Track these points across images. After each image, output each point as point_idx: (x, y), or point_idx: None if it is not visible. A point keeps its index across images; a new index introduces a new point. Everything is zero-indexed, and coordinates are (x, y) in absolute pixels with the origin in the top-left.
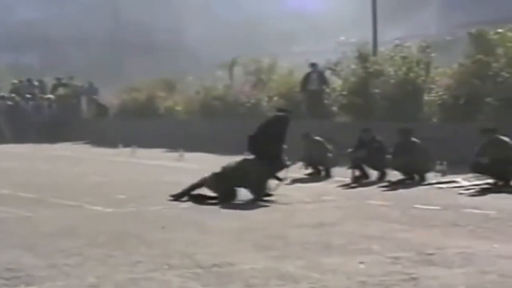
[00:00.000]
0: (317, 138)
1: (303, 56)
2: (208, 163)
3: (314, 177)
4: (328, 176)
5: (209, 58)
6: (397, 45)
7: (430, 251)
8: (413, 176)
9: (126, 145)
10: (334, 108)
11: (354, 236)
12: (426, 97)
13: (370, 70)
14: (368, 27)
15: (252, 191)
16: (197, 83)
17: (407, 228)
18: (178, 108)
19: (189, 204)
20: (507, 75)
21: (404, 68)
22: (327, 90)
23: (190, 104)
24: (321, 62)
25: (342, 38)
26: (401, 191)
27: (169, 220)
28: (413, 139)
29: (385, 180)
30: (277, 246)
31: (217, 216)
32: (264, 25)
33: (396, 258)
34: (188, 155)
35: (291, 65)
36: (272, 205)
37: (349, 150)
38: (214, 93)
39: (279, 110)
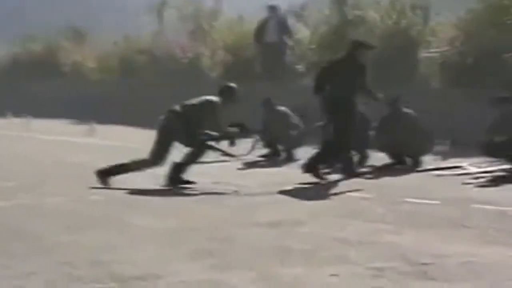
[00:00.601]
0: (280, 108)
1: None
2: (129, 139)
3: (272, 160)
4: (290, 158)
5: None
6: None
7: (425, 261)
8: (404, 160)
9: (17, 114)
10: (300, 67)
11: (323, 239)
12: (423, 54)
13: (348, 16)
14: None
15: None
16: (115, 31)
17: (394, 229)
18: (90, 65)
19: (105, 193)
20: None
21: (393, 15)
22: (291, 42)
23: (106, 59)
24: (283, 4)
25: None
26: (387, 179)
27: (76, 216)
28: (405, 110)
29: (366, 164)
30: (221, 252)
31: (145, 211)
32: None
33: (380, 269)
34: (101, 128)
35: (242, 8)
36: (219, 197)
37: (319, 124)
38: (138, 45)
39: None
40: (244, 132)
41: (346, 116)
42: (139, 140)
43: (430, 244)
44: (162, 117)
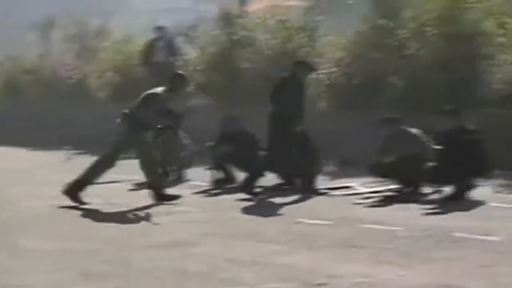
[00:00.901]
0: None
1: (148, 16)
2: (17, 161)
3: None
4: (180, 179)
5: (16, 17)
6: (272, 5)
7: (319, 281)
8: (293, 181)
9: None
10: (190, 88)
11: (217, 260)
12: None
13: (236, 37)
14: None
15: None
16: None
17: (288, 250)
18: None
19: None
20: (416, 45)
21: (281, 36)
22: (179, 63)
23: None
24: (172, 24)
25: None
26: (278, 199)
27: None
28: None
29: (257, 184)
30: (115, 275)
31: (37, 233)
32: None
33: None
34: None
35: (130, 28)
36: (111, 219)
37: (209, 144)
38: (23, 65)
39: None
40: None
41: (286, 135)
42: (27, 161)
43: (323, 265)
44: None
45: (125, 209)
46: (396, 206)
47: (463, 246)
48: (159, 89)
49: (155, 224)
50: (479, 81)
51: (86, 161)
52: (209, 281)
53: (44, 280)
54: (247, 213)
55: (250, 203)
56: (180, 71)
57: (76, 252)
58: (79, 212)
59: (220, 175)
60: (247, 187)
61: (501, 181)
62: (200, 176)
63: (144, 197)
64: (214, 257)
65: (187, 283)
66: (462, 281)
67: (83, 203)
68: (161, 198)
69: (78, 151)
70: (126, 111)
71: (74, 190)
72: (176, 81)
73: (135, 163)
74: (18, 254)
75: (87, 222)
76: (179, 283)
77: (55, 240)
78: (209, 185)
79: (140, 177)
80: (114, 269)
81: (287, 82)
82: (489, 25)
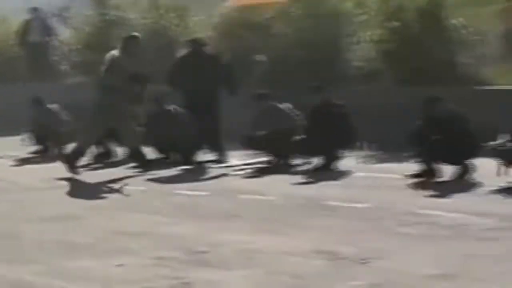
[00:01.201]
0: (50, 106)
1: None
2: None
3: (43, 156)
4: (60, 154)
5: None
6: None
7: (203, 249)
8: (169, 155)
9: None
10: (64, 66)
11: (105, 232)
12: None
13: (109, 17)
14: None
15: None
16: None
17: (171, 221)
18: None
19: None
20: (282, 25)
21: (152, 16)
22: (54, 42)
23: None
24: (45, 6)
25: None
26: (160, 172)
27: None
28: (170, 107)
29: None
30: (5, 248)
31: None
32: None
33: (161, 258)
34: None
35: (6, 10)
36: None
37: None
38: None
39: None
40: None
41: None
42: None
43: (206, 234)
44: None
45: (10, 184)
46: (270, 177)
47: (335, 214)
48: (115, 52)
49: (43, 198)
50: (341, 59)
51: None
52: (96, 251)
53: None
54: (130, 186)
55: (133, 176)
56: (133, 33)
57: None
58: None
59: (100, 149)
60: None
61: (365, 153)
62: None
63: (28, 172)
64: (101, 229)
65: (75, 253)
66: (336, 247)
67: (79, 173)
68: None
69: None
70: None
71: (71, 160)
72: (124, 44)
73: (13, 139)
74: None
75: None
76: (67, 253)
77: None
78: (90, 160)
79: (20, 152)
80: (4, 243)
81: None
82: (348, 5)
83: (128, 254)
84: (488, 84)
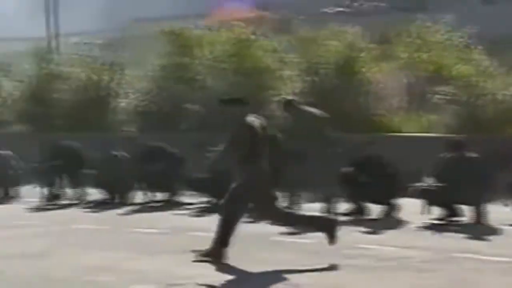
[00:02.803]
0: (2, 151)
1: None
2: None
3: None
4: (8, 196)
5: None
6: (85, 43)
7: (173, 282)
8: (115, 196)
9: None
10: (8, 117)
11: (76, 268)
12: (122, 104)
13: (49, 71)
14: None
15: None
16: None
17: (136, 256)
18: None
19: None
20: (211, 79)
21: (87, 70)
22: None
23: None
24: None
25: None
26: (109, 212)
27: None
28: (116, 152)
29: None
30: None
31: None
32: None
33: None
34: None
35: None
36: None
37: (34, 165)
38: None
39: None
40: None
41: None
42: None
43: (170, 268)
44: None
45: None
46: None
47: (283, 248)
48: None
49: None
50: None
51: None
52: (76, 285)
53: None
54: (87, 225)
55: (88, 215)
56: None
57: None
58: None
59: (53, 191)
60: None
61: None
62: (30, 193)
63: None
64: (71, 265)
65: (58, 286)
66: (294, 279)
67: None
68: None
69: None
70: None
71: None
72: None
73: None
74: None
75: None
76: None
77: None
78: (41, 201)
79: None
80: None
81: None
82: (270, 61)
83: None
84: (397, 132)
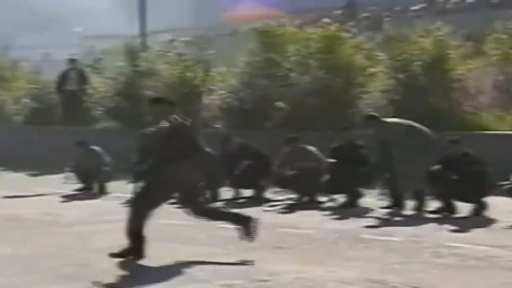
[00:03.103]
0: (93, 147)
1: (38, 50)
2: None
3: (87, 193)
4: (102, 192)
5: None
6: (171, 40)
7: (262, 278)
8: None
9: None
10: (97, 112)
11: (166, 261)
12: (207, 100)
13: (140, 68)
14: (107, 18)
15: None
16: None
17: (223, 252)
18: None
19: None
20: (298, 76)
21: (179, 67)
22: (89, 90)
23: None
24: (62, 56)
25: (79, 29)
26: None
27: None
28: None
29: None
30: (84, 275)
31: None
32: None
33: (229, 286)
34: None
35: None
36: (52, 226)
37: (133, 161)
38: None
39: None
40: None
41: None
42: None
43: (259, 263)
44: None
45: (66, 218)
46: (300, 212)
47: (371, 246)
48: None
49: (97, 230)
50: (351, 106)
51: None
52: (169, 279)
53: (19, 281)
54: (177, 220)
55: (177, 211)
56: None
57: (39, 256)
58: (22, 223)
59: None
60: None
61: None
62: (121, 188)
63: (76, 207)
64: (162, 258)
65: (150, 280)
66: (383, 277)
67: None
68: None
69: (1, 168)
70: None
71: None
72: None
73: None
74: None
75: (33, 230)
76: (141, 280)
77: (13, 247)
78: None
79: (65, 190)
80: (80, 271)
81: None
82: (359, 58)
83: (197, 281)
84: (486, 129)
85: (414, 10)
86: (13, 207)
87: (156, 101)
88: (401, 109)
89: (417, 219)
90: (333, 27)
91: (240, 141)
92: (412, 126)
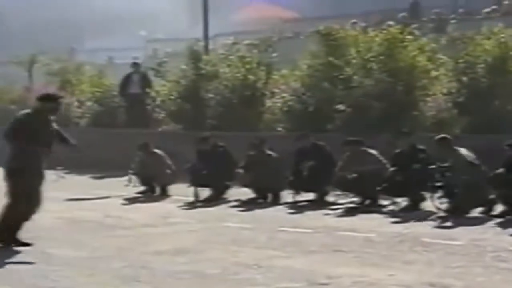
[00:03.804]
0: (156, 150)
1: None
2: None
3: (149, 196)
4: (164, 194)
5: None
6: (234, 43)
7: (322, 281)
8: (266, 195)
9: None
10: (160, 115)
11: (227, 264)
12: (269, 103)
13: (203, 71)
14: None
15: None
16: None
17: (283, 254)
18: None
19: None
20: (360, 79)
21: (242, 70)
22: (152, 93)
23: None
24: (126, 60)
25: (143, 33)
26: (257, 211)
27: None
28: (268, 151)
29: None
30: (144, 277)
31: (56, 243)
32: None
33: None
34: None
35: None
36: (113, 228)
37: (188, 165)
38: (10, 96)
39: None
40: None
41: None
42: None
43: (319, 266)
44: None
45: (128, 220)
46: (361, 216)
47: (432, 249)
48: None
49: (158, 233)
50: (414, 109)
51: (74, 179)
52: (227, 282)
53: (81, 282)
54: (235, 223)
55: (235, 214)
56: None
57: (99, 258)
58: (84, 225)
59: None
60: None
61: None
62: (183, 191)
63: (138, 210)
64: (221, 261)
65: (208, 283)
66: (445, 280)
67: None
68: None
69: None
70: None
71: None
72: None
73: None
74: (49, 261)
75: (95, 232)
76: (201, 283)
77: (75, 249)
78: (193, 200)
79: (127, 192)
80: (140, 273)
81: None
82: (422, 60)
83: (255, 284)
84: None
85: (476, 12)
86: (76, 210)
87: (45, 98)
88: (464, 111)
89: (479, 223)
90: (394, 30)
91: (314, 141)
92: (472, 165)
